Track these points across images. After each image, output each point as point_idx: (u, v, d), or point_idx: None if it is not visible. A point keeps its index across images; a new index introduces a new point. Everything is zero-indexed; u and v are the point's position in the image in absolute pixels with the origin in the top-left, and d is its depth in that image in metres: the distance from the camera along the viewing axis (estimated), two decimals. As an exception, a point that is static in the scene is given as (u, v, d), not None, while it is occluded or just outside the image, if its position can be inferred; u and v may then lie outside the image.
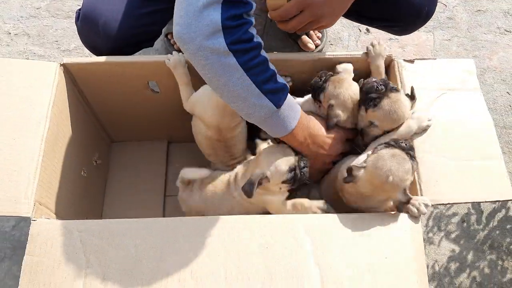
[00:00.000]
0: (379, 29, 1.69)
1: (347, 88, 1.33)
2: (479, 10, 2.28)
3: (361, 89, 1.32)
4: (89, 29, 1.39)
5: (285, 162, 1.21)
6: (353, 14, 1.64)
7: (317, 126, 1.30)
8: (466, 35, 2.21)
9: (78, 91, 1.47)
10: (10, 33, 2.04)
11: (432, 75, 1.40)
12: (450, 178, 1.22)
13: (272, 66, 1.14)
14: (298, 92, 1.43)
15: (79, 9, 1.44)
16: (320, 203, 1.23)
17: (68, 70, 1.38)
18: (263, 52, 1.11)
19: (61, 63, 1.35)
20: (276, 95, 1.12)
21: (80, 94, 1.49)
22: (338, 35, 2.16)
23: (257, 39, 1.09)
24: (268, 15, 1.39)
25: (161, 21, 1.49)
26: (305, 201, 1.25)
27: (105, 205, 1.73)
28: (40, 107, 1.27)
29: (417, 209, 1.11)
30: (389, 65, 1.43)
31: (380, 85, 1.27)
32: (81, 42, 2.02)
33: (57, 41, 2.04)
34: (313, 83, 1.36)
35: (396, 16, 1.54)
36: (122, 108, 1.61)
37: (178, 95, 1.45)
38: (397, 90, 1.28)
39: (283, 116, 1.17)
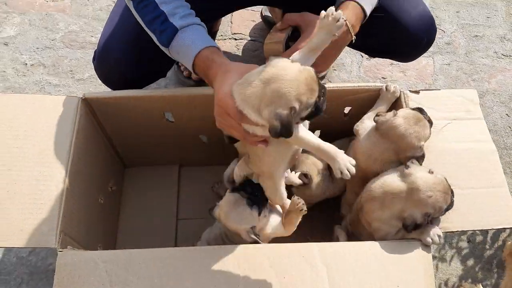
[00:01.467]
0: (380, 57, 1.76)
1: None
2: (476, 36, 2.37)
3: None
4: (104, 67, 1.48)
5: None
6: (355, 46, 1.72)
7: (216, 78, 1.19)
8: (464, 60, 2.29)
9: (97, 122, 1.53)
10: (26, 63, 2.11)
11: (437, 105, 1.46)
12: (458, 206, 1.27)
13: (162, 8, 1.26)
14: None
15: (96, 50, 1.52)
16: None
17: (89, 103, 1.45)
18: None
19: (83, 97, 1.41)
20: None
21: (99, 125, 1.55)
22: (341, 60, 2.24)
23: None
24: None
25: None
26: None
27: (119, 230, 1.77)
28: (63, 140, 1.33)
29: (431, 239, 1.17)
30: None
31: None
32: (94, 72, 2.11)
33: (71, 71, 2.11)
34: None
35: (396, 48, 1.61)
36: (137, 136, 1.67)
37: (191, 123, 1.53)
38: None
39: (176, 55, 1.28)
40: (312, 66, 1.37)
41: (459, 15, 2.43)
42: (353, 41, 1.35)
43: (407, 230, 1.20)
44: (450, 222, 1.26)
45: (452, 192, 1.23)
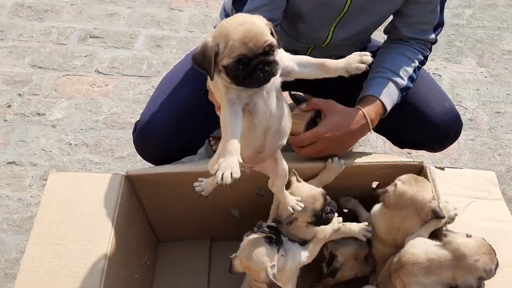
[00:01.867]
0: (408, 148, 1.83)
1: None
2: (498, 112, 2.44)
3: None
4: (143, 141, 1.58)
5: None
6: (387, 137, 1.82)
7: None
8: (488, 135, 2.34)
9: (136, 198, 1.62)
10: (71, 143, 2.28)
11: (461, 183, 1.51)
12: (486, 283, 1.26)
13: None
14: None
15: (137, 122, 1.64)
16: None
17: (130, 180, 1.55)
18: None
19: (125, 174, 1.52)
20: None
21: (138, 201, 1.64)
22: (365, 136, 2.32)
23: None
24: None
25: (208, 131, 1.68)
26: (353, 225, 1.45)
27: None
28: (107, 215, 1.41)
29: None
30: (420, 171, 1.54)
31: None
32: (133, 150, 2.25)
33: (111, 149, 2.26)
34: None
35: (423, 141, 1.68)
36: (172, 211, 1.74)
37: (224, 198, 1.59)
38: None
39: None
40: (330, 151, 1.49)
41: (479, 93, 2.53)
42: (370, 133, 1.50)
43: None
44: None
45: (494, 251, 1.25)
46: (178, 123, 1.55)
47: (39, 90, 2.50)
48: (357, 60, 1.11)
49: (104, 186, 1.49)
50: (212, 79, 1.03)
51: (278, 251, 1.29)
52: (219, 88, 1.08)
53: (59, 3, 2.97)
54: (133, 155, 2.24)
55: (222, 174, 0.97)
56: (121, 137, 2.31)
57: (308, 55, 1.66)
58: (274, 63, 1.02)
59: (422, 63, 1.64)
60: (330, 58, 1.70)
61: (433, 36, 1.61)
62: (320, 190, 1.38)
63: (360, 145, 2.29)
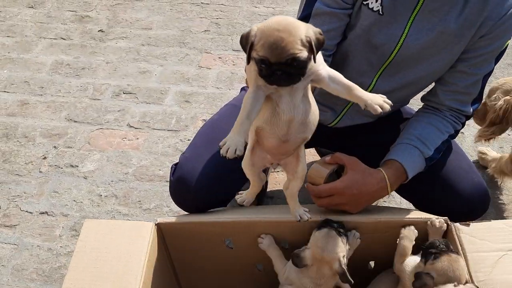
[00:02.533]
0: None
1: (460, 274, 1.34)
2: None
3: (423, 247, 1.40)
4: (182, 190, 1.62)
5: None
6: (411, 201, 1.83)
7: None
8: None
9: (164, 247, 1.65)
10: (101, 195, 2.36)
11: (490, 236, 1.46)
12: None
13: None
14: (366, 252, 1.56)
15: (175, 164, 1.68)
16: None
17: (160, 228, 1.59)
18: None
19: (156, 223, 1.57)
20: None
21: (165, 249, 1.67)
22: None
23: None
24: (305, 185, 1.58)
25: (240, 185, 1.72)
26: None
27: None
28: (137, 262, 1.44)
29: None
30: (446, 229, 1.53)
31: (442, 244, 1.38)
32: (160, 201, 2.31)
33: (139, 201, 2.32)
34: (428, 244, 1.42)
35: (451, 213, 1.63)
36: (197, 261, 1.75)
37: (249, 251, 1.62)
38: (458, 253, 1.36)
39: None
40: (345, 206, 1.52)
41: (503, 150, 2.53)
42: (388, 196, 1.52)
43: None
44: None
45: None
46: (218, 177, 1.60)
47: (73, 143, 2.63)
48: (379, 103, 1.19)
49: (135, 234, 1.53)
50: (248, 63, 1.13)
51: (346, 242, 1.44)
52: (250, 71, 1.17)
53: (95, 61, 3.16)
54: (159, 207, 2.30)
55: (228, 149, 1.13)
56: (149, 189, 2.38)
57: (347, 110, 1.73)
58: (296, 73, 1.10)
59: (452, 136, 1.66)
60: (368, 116, 1.74)
61: (470, 109, 1.63)
62: None
63: (385, 201, 2.29)
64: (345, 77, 1.65)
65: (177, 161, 1.69)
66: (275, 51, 1.06)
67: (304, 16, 1.52)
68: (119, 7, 3.61)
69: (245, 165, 1.37)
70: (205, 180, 1.60)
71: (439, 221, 1.49)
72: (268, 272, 1.74)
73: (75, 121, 2.75)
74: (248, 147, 1.31)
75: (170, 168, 2.39)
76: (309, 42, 1.09)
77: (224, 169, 1.59)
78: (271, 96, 1.18)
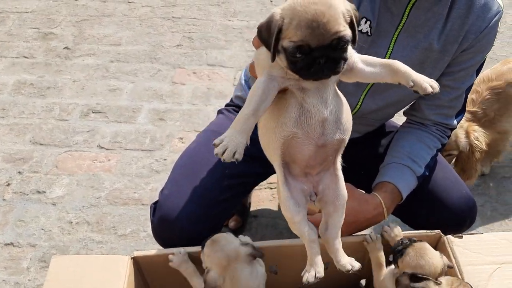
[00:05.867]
0: None
1: (431, 258, 1.33)
2: (503, 177, 2.43)
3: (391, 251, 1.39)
4: (165, 230, 1.52)
5: None
6: (401, 218, 1.80)
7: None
8: (497, 200, 2.32)
9: (143, 282, 1.54)
10: (71, 222, 2.21)
11: (482, 249, 1.45)
12: None
13: None
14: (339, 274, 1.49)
15: (155, 203, 1.58)
16: None
17: (137, 262, 1.47)
18: None
19: (132, 256, 1.45)
20: None
21: (144, 285, 1.55)
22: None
23: None
24: None
25: (227, 216, 1.63)
26: None
27: None
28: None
29: None
30: (438, 242, 1.50)
31: (405, 240, 1.38)
32: (136, 226, 2.18)
33: (114, 227, 2.19)
34: (393, 246, 1.40)
35: (440, 226, 1.63)
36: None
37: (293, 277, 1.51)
38: (421, 241, 1.35)
39: None
40: (334, 230, 1.41)
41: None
42: (385, 219, 1.51)
43: None
44: None
45: None
46: (202, 213, 1.50)
47: (39, 167, 2.47)
48: (427, 81, 0.99)
49: (110, 270, 1.41)
50: (273, 60, 0.88)
51: None
52: (261, 59, 0.95)
53: (61, 80, 3.02)
54: (136, 232, 2.17)
55: (225, 150, 0.89)
56: (123, 214, 2.25)
57: None
58: (341, 60, 0.88)
59: (439, 150, 1.65)
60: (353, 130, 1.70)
61: (455, 122, 1.63)
62: None
63: (369, 215, 2.24)
64: None
65: (153, 183, 1.59)
66: (316, 30, 0.82)
67: None
68: (85, 23, 3.48)
69: (287, 210, 1.06)
70: (188, 218, 1.50)
71: (376, 237, 1.47)
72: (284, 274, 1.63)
73: (41, 144, 2.60)
74: (280, 184, 1.03)
75: (145, 191, 2.33)
76: (351, 18, 0.87)
77: (208, 203, 1.51)
78: (292, 90, 0.94)
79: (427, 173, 1.58)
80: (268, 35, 0.86)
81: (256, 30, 0.90)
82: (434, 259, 1.33)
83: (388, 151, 1.63)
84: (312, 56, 0.86)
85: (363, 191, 1.52)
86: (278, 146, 0.99)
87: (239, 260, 1.32)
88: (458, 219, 1.62)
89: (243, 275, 1.32)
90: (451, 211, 1.60)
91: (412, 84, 0.98)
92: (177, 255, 1.43)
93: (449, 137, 1.66)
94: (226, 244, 1.34)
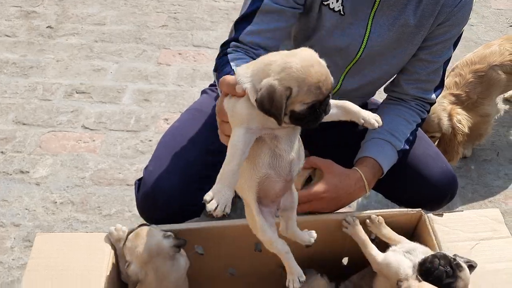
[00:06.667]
0: (405, 207, 1.83)
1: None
2: (484, 160, 2.48)
3: (422, 270, 1.27)
4: (150, 206, 1.52)
5: None
6: (383, 194, 1.82)
7: None
8: (478, 182, 2.37)
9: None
10: (56, 202, 2.20)
11: (463, 226, 1.48)
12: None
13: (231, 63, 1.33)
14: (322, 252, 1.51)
15: (139, 180, 1.58)
16: None
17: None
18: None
19: (116, 233, 1.45)
20: None
21: (129, 261, 1.56)
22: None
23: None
24: None
25: None
26: None
27: None
28: (97, 278, 1.32)
29: None
30: (419, 220, 1.53)
31: (447, 267, 1.25)
32: (121, 206, 2.18)
33: (99, 207, 2.18)
34: (439, 274, 1.25)
35: (421, 201, 1.66)
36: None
37: (220, 258, 1.55)
38: (461, 267, 1.26)
39: None
40: (325, 210, 1.49)
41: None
42: (367, 195, 1.50)
43: None
44: None
45: None
46: (186, 188, 1.51)
47: (23, 147, 2.44)
48: (373, 117, 1.12)
49: (94, 247, 1.41)
50: (280, 124, 0.96)
51: None
52: (239, 113, 1.00)
53: (44, 59, 2.96)
54: (121, 212, 2.17)
55: (217, 206, 0.97)
56: (108, 194, 2.24)
57: None
58: (329, 102, 1.00)
59: (419, 125, 1.67)
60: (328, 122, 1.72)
61: (433, 96, 1.65)
62: None
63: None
64: None
65: (138, 164, 1.59)
66: (323, 88, 0.93)
67: (250, 12, 1.44)
68: (68, 2, 3.41)
69: (265, 235, 1.15)
70: (173, 193, 1.49)
71: (377, 217, 1.46)
72: (242, 276, 1.67)
73: (24, 124, 2.56)
74: (255, 214, 1.13)
75: (130, 172, 2.32)
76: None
77: (192, 178, 1.51)
78: (263, 138, 1.03)
79: (407, 147, 1.60)
80: (275, 107, 0.91)
81: (256, 103, 0.94)
82: None
83: (368, 128, 1.64)
84: (321, 109, 0.97)
85: (343, 167, 1.52)
86: (253, 185, 1.09)
87: (161, 254, 1.32)
88: (439, 193, 1.65)
89: (165, 269, 1.32)
90: (431, 186, 1.63)
91: (362, 121, 1.11)
92: (118, 230, 1.40)
93: (428, 111, 1.68)
94: (148, 238, 1.33)
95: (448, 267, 1.25)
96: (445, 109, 2.06)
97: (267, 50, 1.44)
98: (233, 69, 1.29)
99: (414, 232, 1.57)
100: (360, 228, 1.45)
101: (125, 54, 3.03)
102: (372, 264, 1.42)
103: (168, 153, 1.57)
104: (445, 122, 2.06)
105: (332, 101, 1.05)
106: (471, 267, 1.31)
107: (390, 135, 1.58)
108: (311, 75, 0.92)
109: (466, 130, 2.04)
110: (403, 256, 1.35)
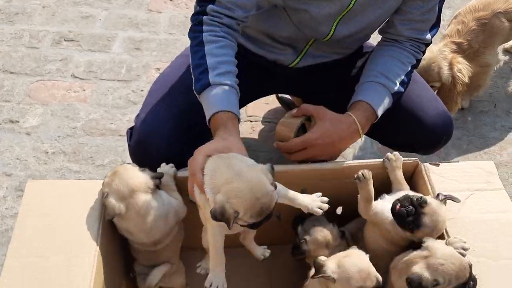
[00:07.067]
0: (400, 151, 1.81)
1: (445, 217, 1.31)
2: (482, 111, 2.46)
3: (393, 213, 1.31)
4: (143, 155, 1.49)
5: None
6: (378, 139, 1.79)
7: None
8: (474, 134, 2.35)
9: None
10: (47, 152, 2.16)
11: (458, 177, 1.48)
12: (492, 278, 1.25)
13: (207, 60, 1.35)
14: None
15: (131, 129, 1.55)
16: None
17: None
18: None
19: (110, 181, 1.42)
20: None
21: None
22: (353, 139, 2.30)
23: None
24: (274, 144, 1.56)
25: (206, 141, 1.60)
26: None
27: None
28: (91, 225, 1.31)
29: None
30: (415, 169, 1.52)
31: (408, 207, 1.29)
32: (114, 157, 2.15)
33: (91, 157, 2.15)
34: (401, 213, 1.29)
35: (416, 144, 1.67)
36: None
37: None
38: (425, 202, 1.29)
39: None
40: (321, 157, 1.48)
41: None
42: (361, 139, 1.44)
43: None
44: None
45: (470, 272, 1.19)
46: (180, 136, 1.48)
47: (11, 97, 2.37)
48: (317, 205, 1.27)
49: (87, 194, 1.39)
50: (230, 229, 1.12)
51: None
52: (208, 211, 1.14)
53: (30, 5, 2.84)
54: (114, 162, 2.14)
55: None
56: (101, 144, 2.20)
57: (308, 48, 1.65)
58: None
59: (414, 66, 1.62)
60: (330, 53, 1.64)
61: (429, 36, 1.60)
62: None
63: (349, 147, 2.25)
64: (304, 26, 1.54)
65: (130, 114, 1.56)
66: (264, 213, 1.11)
67: None
68: None
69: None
70: (165, 140, 1.46)
71: (393, 154, 1.45)
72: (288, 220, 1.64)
73: (11, 73, 2.48)
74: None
75: (123, 122, 2.28)
76: (274, 184, 1.15)
77: (184, 125, 1.48)
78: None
79: (402, 90, 1.56)
80: (225, 221, 1.09)
81: (210, 213, 1.10)
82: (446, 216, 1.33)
83: (363, 71, 1.60)
84: (262, 220, 1.14)
85: (335, 113, 1.49)
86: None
87: (140, 188, 1.30)
88: (434, 136, 1.63)
89: (145, 204, 1.30)
90: (427, 128, 1.60)
91: (307, 211, 1.27)
92: (167, 173, 1.38)
93: (424, 52, 1.63)
94: (125, 172, 1.32)
95: (409, 206, 1.28)
96: (446, 57, 2.01)
97: (244, 9, 1.40)
98: (209, 80, 1.33)
99: (410, 181, 1.56)
100: (371, 185, 1.41)
101: (114, 0, 2.90)
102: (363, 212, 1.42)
103: (160, 101, 1.52)
104: (445, 71, 2.01)
105: (280, 191, 1.22)
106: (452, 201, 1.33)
107: (384, 77, 1.53)
108: (255, 205, 1.09)
109: (466, 79, 2.00)
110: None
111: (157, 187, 1.34)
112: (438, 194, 1.36)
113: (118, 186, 1.29)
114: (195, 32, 1.40)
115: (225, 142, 1.24)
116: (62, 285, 1.20)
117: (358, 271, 1.20)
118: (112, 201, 1.29)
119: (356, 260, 1.24)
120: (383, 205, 1.39)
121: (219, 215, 1.08)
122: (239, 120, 1.33)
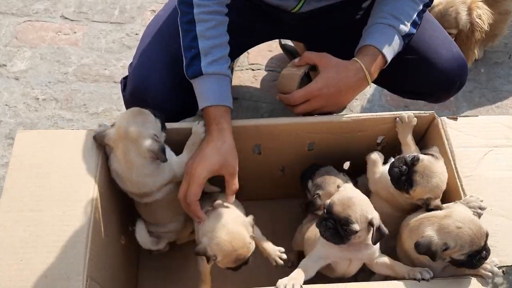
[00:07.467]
0: (411, 99, 1.70)
1: (441, 174, 1.26)
2: (496, 62, 2.34)
3: (390, 175, 1.28)
4: (138, 102, 1.38)
5: None
6: (387, 86, 1.67)
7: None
8: (487, 86, 2.25)
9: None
10: (38, 98, 2.04)
11: (476, 132, 1.40)
12: (510, 238, 1.20)
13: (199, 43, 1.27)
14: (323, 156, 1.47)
15: (125, 79, 1.45)
16: None
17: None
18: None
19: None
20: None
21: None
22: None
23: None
24: (277, 97, 1.48)
25: None
26: None
27: (139, 273, 1.66)
28: (87, 176, 1.24)
29: (491, 271, 1.12)
30: (431, 123, 1.44)
31: (401, 166, 1.25)
32: (108, 105, 2.04)
33: (85, 105, 2.04)
34: (394, 174, 1.26)
35: (428, 90, 1.56)
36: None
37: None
38: (417, 160, 1.24)
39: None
40: (325, 108, 1.39)
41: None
42: (369, 87, 1.37)
43: (418, 251, 1.14)
44: (505, 255, 1.18)
45: (485, 238, 1.14)
46: (176, 85, 1.37)
47: (-3, 38, 2.22)
48: (277, 254, 1.35)
49: (81, 144, 1.30)
50: (208, 263, 1.27)
51: None
52: None
53: None
54: (109, 110, 2.03)
55: None
56: (94, 91, 2.08)
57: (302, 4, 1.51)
58: None
59: (427, 5, 1.47)
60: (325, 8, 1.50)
61: None
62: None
63: (356, 99, 2.15)
64: None
65: (124, 60, 1.48)
66: (238, 262, 1.26)
67: None
68: None
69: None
70: (161, 88, 1.37)
71: (408, 115, 1.38)
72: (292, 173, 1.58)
73: (-4, 12, 2.31)
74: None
75: (117, 68, 2.14)
76: (252, 236, 1.28)
77: (180, 72, 1.35)
78: None
79: (413, 31, 1.42)
80: (206, 258, 1.25)
81: (195, 252, 1.27)
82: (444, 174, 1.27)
83: (371, 12, 1.45)
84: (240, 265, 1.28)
85: (340, 59, 1.38)
86: None
87: (128, 138, 1.24)
88: (448, 80, 1.51)
89: (130, 153, 1.25)
90: (440, 72, 1.48)
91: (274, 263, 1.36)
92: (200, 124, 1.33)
93: None
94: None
95: (403, 166, 1.25)
96: (464, 2, 1.86)
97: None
98: (201, 69, 1.27)
99: (424, 135, 1.48)
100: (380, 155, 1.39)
101: None
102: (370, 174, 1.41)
103: (154, 46, 1.42)
104: (463, 16, 1.86)
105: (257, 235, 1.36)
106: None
107: (394, 18, 1.39)
108: (231, 256, 1.24)
109: (485, 27, 1.86)
110: None
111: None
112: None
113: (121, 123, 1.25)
114: (185, 5, 1.29)
115: (220, 153, 1.25)
116: (57, 240, 1.14)
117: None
118: (105, 127, 1.30)
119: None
120: (387, 169, 1.33)
121: (201, 254, 1.26)
122: (231, 110, 1.31)
